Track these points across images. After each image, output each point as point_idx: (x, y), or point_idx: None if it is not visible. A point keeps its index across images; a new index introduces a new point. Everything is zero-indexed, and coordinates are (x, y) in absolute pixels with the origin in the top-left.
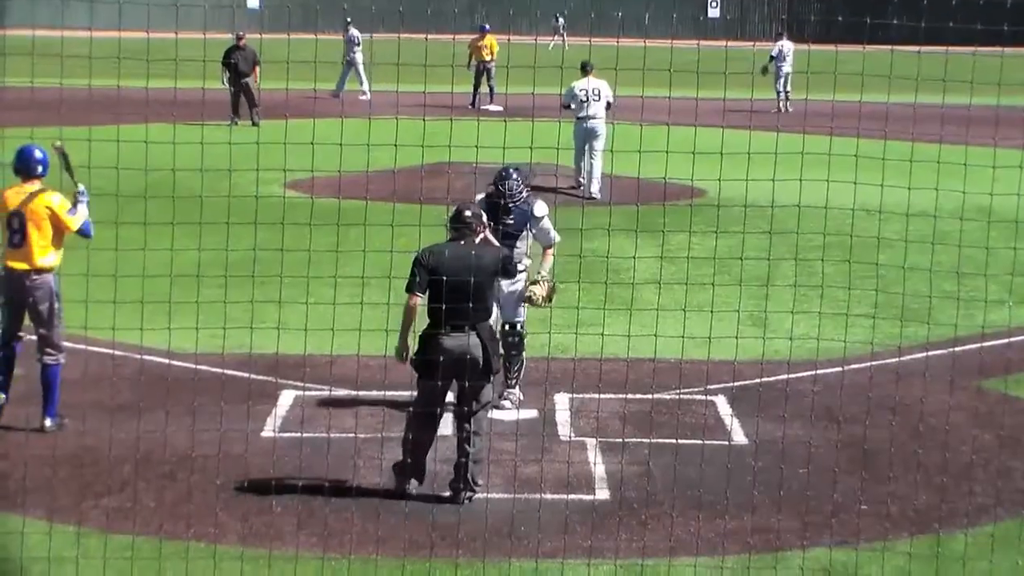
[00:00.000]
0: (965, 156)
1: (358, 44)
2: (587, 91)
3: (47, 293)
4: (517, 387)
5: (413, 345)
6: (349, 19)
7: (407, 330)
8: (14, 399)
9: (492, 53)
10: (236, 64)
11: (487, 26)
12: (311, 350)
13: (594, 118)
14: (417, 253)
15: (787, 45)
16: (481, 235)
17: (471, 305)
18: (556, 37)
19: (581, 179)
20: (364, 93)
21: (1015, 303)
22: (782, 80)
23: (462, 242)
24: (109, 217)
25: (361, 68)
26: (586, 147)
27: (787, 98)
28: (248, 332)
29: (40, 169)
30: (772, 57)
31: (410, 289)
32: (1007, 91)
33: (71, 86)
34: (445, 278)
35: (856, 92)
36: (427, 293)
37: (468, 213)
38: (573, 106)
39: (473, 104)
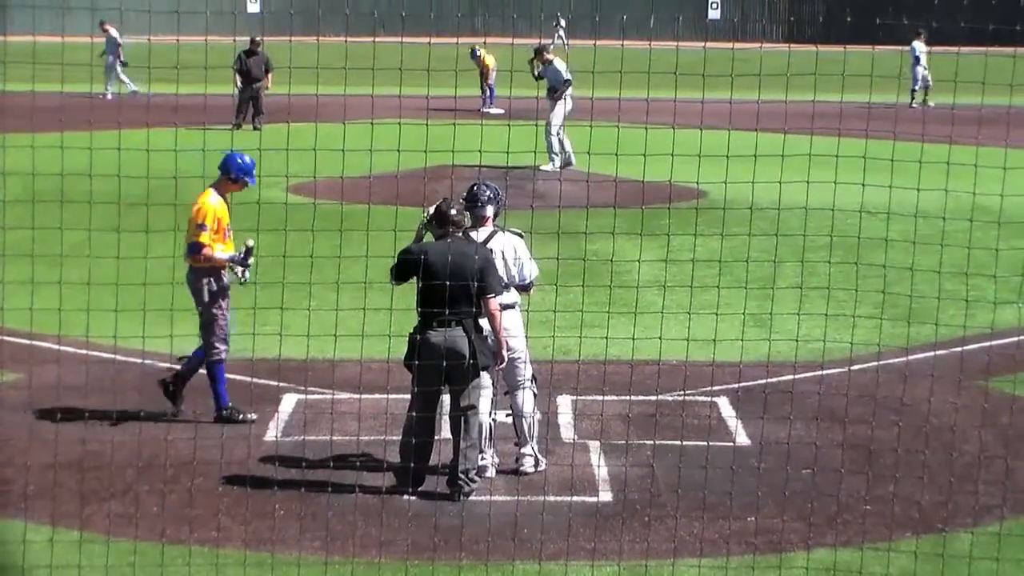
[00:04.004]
0: (976, 157)
1: (119, 45)
2: (563, 71)
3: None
4: (529, 446)
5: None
6: (103, 19)
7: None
8: (17, 406)
9: (488, 71)
10: (249, 70)
11: (478, 51)
12: (313, 354)
13: (571, 96)
14: (404, 248)
15: (919, 46)
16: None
17: (456, 300)
18: (556, 39)
19: (555, 154)
20: (105, 95)
21: (1022, 303)
22: (916, 79)
23: (448, 240)
24: (111, 224)
25: (118, 69)
26: (563, 123)
27: (925, 94)
28: (251, 337)
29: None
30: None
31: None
32: (1019, 91)
33: (72, 92)
34: (432, 275)
35: (864, 93)
36: (416, 291)
37: (453, 212)
38: (558, 87)
39: (481, 107)
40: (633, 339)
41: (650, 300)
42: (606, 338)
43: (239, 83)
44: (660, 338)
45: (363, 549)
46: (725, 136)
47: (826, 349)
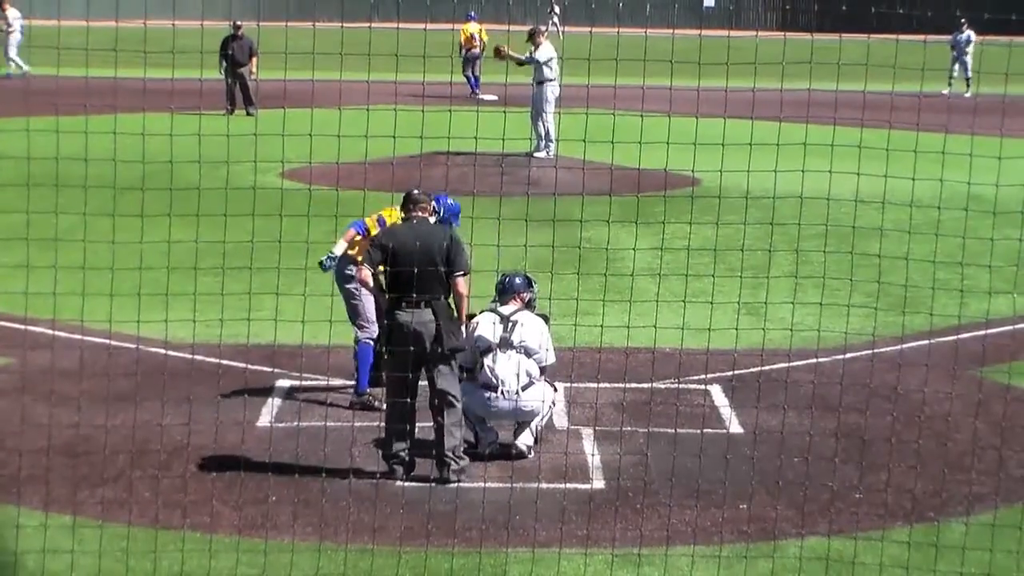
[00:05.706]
0: (971, 146)
1: (19, 22)
2: (547, 54)
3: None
4: (534, 423)
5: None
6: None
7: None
8: (10, 391)
9: (471, 42)
10: (232, 54)
11: (472, 14)
12: (308, 340)
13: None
14: (374, 235)
15: (966, 34)
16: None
17: (424, 282)
18: (550, 26)
19: (551, 140)
20: (7, 77)
21: (1017, 293)
22: (957, 66)
23: (414, 222)
24: (105, 209)
25: (12, 49)
26: (554, 109)
27: (968, 84)
28: (245, 322)
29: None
30: (952, 45)
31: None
32: (1014, 80)
33: (68, 76)
34: (400, 257)
35: (859, 82)
36: (385, 274)
37: (416, 192)
38: (547, 71)
39: (472, 93)
40: (628, 327)
41: (644, 288)
42: (600, 326)
43: (223, 69)
44: (654, 326)
45: (356, 535)
46: (720, 124)
47: (820, 338)
